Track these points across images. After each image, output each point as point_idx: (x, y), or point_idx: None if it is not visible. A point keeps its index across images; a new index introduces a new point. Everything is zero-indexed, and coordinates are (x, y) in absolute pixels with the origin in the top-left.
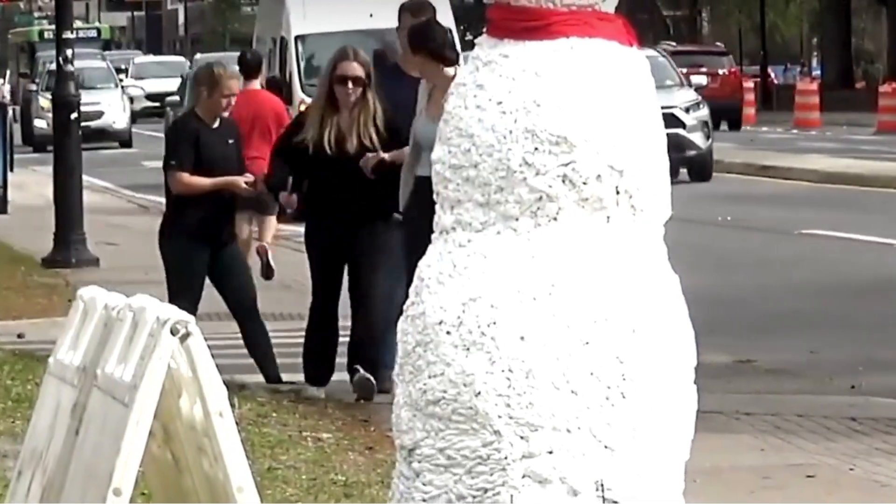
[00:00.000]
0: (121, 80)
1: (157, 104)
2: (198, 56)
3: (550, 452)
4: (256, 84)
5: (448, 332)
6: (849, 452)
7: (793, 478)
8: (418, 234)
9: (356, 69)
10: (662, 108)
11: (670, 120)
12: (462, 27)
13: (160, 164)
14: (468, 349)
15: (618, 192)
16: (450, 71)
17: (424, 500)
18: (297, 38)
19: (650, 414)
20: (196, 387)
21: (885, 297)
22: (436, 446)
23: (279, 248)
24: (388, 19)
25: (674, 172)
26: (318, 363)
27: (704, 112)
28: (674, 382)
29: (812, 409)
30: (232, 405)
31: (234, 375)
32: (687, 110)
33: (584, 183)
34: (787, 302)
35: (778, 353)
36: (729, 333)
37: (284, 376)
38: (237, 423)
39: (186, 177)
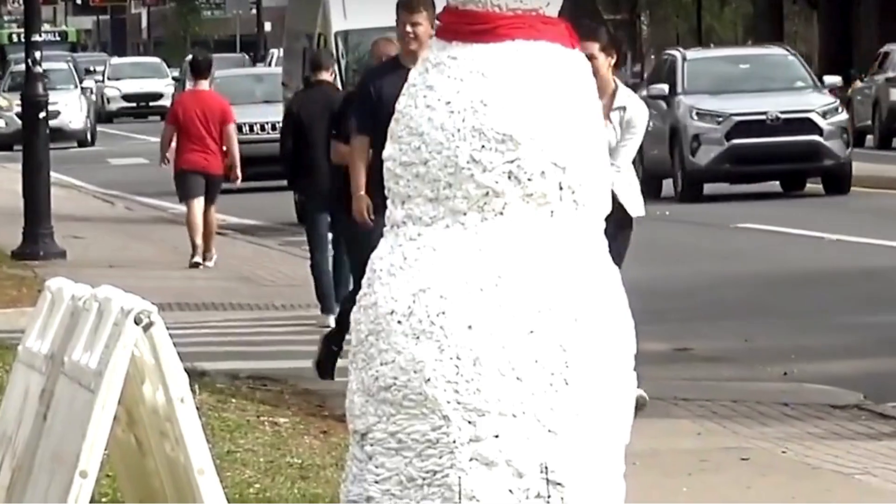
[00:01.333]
0: (98, 81)
1: (133, 104)
2: (273, 51)
3: (497, 436)
4: (205, 84)
5: (399, 322)
6: (781, 436)
7: (728, 460)
8: None
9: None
10: (797, 111)
11: (807, 125)
12: None
13: (127, 161)
14: (418, 338)
15: (561, 188)
16: None
17: (377, 482)
18: (337, 34)
19: (592, 399)
20: (158, 374)
21: (815, 288)
22: (387, 430)
23: (237, 241)
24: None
25: (801, 182)
26: None
27: (843, 117)
28: (614, 369)
29: (746, 395)
30: (193, 391)
31: (195, 363)
32: (824, 115)
33: (529, 179)
34: (723, 292)
35: (714, 342)
36: (667, 322)
37: (239, 364)
38: (198, 409)
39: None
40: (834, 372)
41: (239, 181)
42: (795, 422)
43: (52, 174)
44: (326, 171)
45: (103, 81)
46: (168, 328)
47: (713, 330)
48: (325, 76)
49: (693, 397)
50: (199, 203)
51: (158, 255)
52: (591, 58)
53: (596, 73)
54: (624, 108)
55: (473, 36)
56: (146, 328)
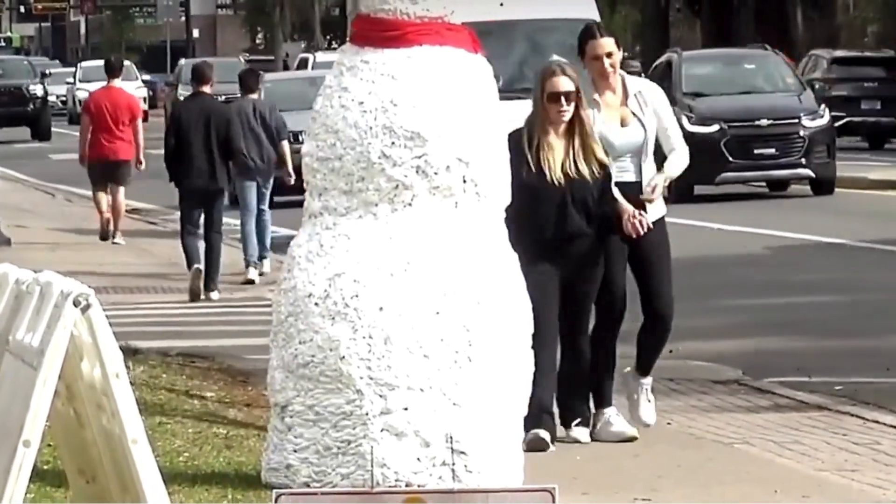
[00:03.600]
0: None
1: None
2: (182, 61)
3: (406, 409)
4: (116, 82)
5: (316, 304)
6: (667, 409)
7: None
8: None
9: (567, 84)
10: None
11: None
12: (328, 37)
13: (66, 157)
14: (334, 319)
15: (465, 181)
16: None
17: (295, 451)
18: None
19: (493, 375)
20: (95, 351)
21: (702, 273)
22: (305, 403)
23: (167, 229)
24: (522, 10)
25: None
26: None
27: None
28: (513, 348)
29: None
30: (127, 367)
31: (129, 341)
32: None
33: (436, 173)
34: None
35: None
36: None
37: (169, 343)
38: (131, 384)
39: None
40: (715, 350)
41: (143, 167)
42: (680, 396)
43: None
44: (202, 169)
45: (74, 84)
46: (104, 310)
47: None
48: (206, 89)
49: None
50: (109, 187)
51: (95, 243)
52: (610, 54)
53: (616, 66)
54: (640, 93)
55: (384, 42)
56: (84, 310)
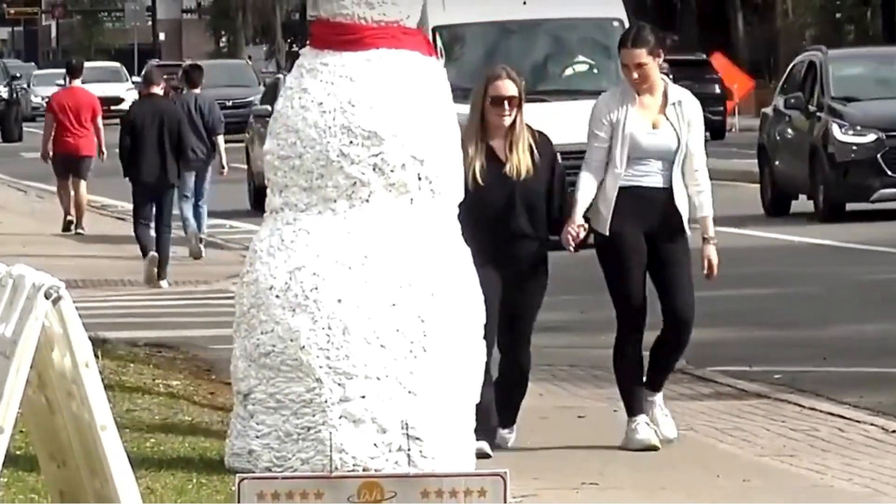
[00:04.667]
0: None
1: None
2: (187, 62)
3: (363, 397)
4: (77, 83)
5: (277, 296)
6: (613, 397)
7: (566, 418)
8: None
9: (510, 88)
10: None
11: None
12: (289, 40)
13: (37, 154)
14: (294, 310)
15: (419, 179)
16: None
17: (258, 437)
18: (435, 29)
19: (447, 364)
20: (66, 341)
21: None
22: (267, 392)
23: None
24: (547, 9)
25: None
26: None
27: None
28: (466, 339)
29: (583, 361)
30: (96, 357)
31: (98, 332)
32: None
33: (392, 171)
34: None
35: (553, 314)
36: None
37: (137, 333)
38: (100, 373)
39: None
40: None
41: (105, 156)
42: None
43: None
44: (154, 166)
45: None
46: (74, 301)
47: (553, 303)
48: (156, 90)
49: (535, 363)
50: (72, 181)
51: (66, 237)
52: (639, 65)
53: (646, 77)
54: (679, 103)
55: (342, 45)
56: (55, 302)
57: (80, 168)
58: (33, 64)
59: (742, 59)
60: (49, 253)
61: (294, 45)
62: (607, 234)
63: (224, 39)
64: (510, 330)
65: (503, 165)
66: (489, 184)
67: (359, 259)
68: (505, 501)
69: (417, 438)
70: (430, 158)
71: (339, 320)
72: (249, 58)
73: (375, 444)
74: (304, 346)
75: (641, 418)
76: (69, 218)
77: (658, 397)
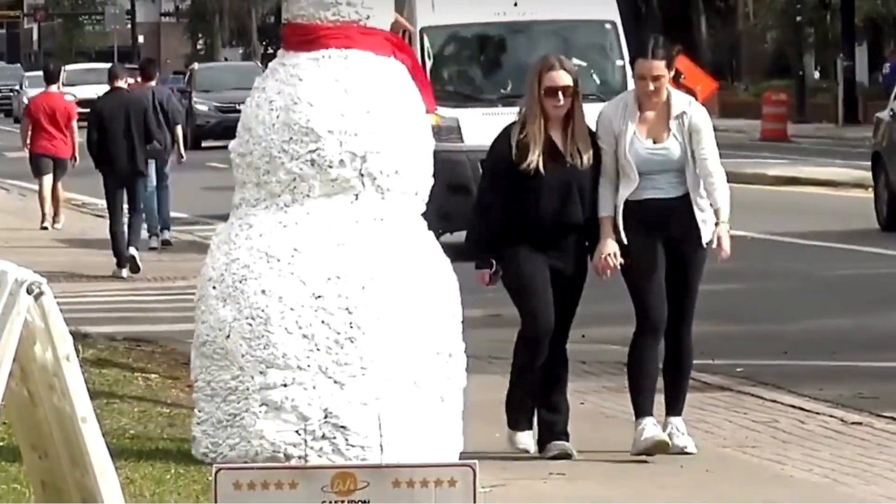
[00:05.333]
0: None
1: (87, 110)
2: (196, 66)
3: (284, 385)
4: (54, 88)
5: (214, 287)
6: (581, 389)
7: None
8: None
9: (564, 78)
10: None
11: None
12: (264, 42)
13: (20, 154)
14: (225, 301)
15: (362, 175)
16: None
17: (198, 423)
18: (423, 30)
19: (380, 355)
20: (47, 336)
21: None
22: (205, 380)
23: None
24: (539, 10)
25: None
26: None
27: None
28: (406, 330)
29: None
30: (77, 351)
31: (79, 327)
32: None
33: (330, 166)
34: None
35: None
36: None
37: (116, 328)
38: (81, 366)
39: None
40: (625, 334)
41: (76, 162)
42: (593, 377)
43: None
44: (123, 156)
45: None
46: (55, 297)
47: None
48: (120, 83)
49: (504, 356)
50: (47, 179)
51: (47, 234)
52: (656, 78)
53: (660, 90)
54: (683, 114)
55: (299, 46)
56: (37, 297)
57: (55, 169)
58: (19, 65)
59: (705, 61)
60: (32, 249)
61: (269, 48)
62: (625, 241)
63: (201, 42)
64: (559, 319)
65: (563, 156)
66: (548, 173)
67: (288, 252)
68: (474, 491)
69: (343, 427)
70: (376, 156)
71: (262, 310)
72: (226, 59)
73: (297, 432)
74: (229, 336)
75: (647, 420)
76: (45, 213)
77: (678, 419)
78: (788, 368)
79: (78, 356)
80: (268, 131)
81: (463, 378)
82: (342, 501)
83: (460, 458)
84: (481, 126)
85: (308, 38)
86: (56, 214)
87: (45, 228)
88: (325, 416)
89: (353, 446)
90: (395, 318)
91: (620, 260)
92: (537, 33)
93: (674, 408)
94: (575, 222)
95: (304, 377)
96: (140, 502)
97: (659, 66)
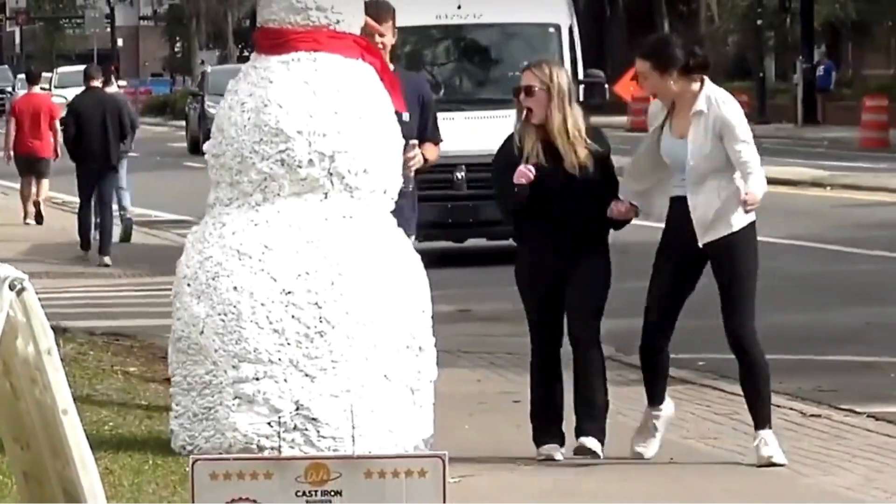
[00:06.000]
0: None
1: None
2: (209, 69)
3: (257, 379)
4: (37, 89)
5: (188, 285)
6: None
7: (502, 402)
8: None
9: (526, 78)
10: None
11: None
12: (240, 45)
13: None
14: (199, 297)
15: (330, 175)
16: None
17: (176, 417)
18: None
19: (351, 349)
20: (29, 330)
21: None
22: (181, 374)
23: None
24: (483, 12)
25: None
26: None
27: None
28: (377, 324)
29: (518, 349)
30: (58, 345)
31: (59, 321)
32: None
33: (299, 166)
34: (500, 261)
35: (491, 304)
36: (451, 287)
37: (96, 323)
38: (62, 360)
39: None
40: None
41: (58, 158)
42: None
43: None
44: (97, 150)
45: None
46: (37, 292)
47: (490, 294)
48: (95, 83)
49: (473, 350)
50: (31, 178)
51: (29, 231)
52: (642, 76)
53: (652, 90)
54: (701, 113)
55: (271, 49)
56: (19, 293)
57: (39, 168)
58: (6, 67)
59: None
60: (14, 246)
61: (245, 51)
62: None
63: (178, 45)
64: (574, 323)
65: (560, 157)
66: (546, 175)
67: (258, 249)
68: (444, 481)
69: (314, 419)
70: (344, 156)
71: (234, 306)
72: (202, 62)
73: (270, 424)
74: (202, 331)
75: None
76: (28, 211)
77: (767, 432)
78: None
79: (58, 350)
80: (240, 132)
81: (433, 371)
82: (315, 492)
83: (430, 450)
84: None
85: (278, 42)
86: (38, 211)
87: (28, 224)
88: (297, 409)
89: (324, 437)
90: (364, 313)
91: (629, 208)
92: (479, 37)
93: (756, 420)
94: (575, 222)
95: (275, 371)
96: (119, 492)
97: (640, 64)
